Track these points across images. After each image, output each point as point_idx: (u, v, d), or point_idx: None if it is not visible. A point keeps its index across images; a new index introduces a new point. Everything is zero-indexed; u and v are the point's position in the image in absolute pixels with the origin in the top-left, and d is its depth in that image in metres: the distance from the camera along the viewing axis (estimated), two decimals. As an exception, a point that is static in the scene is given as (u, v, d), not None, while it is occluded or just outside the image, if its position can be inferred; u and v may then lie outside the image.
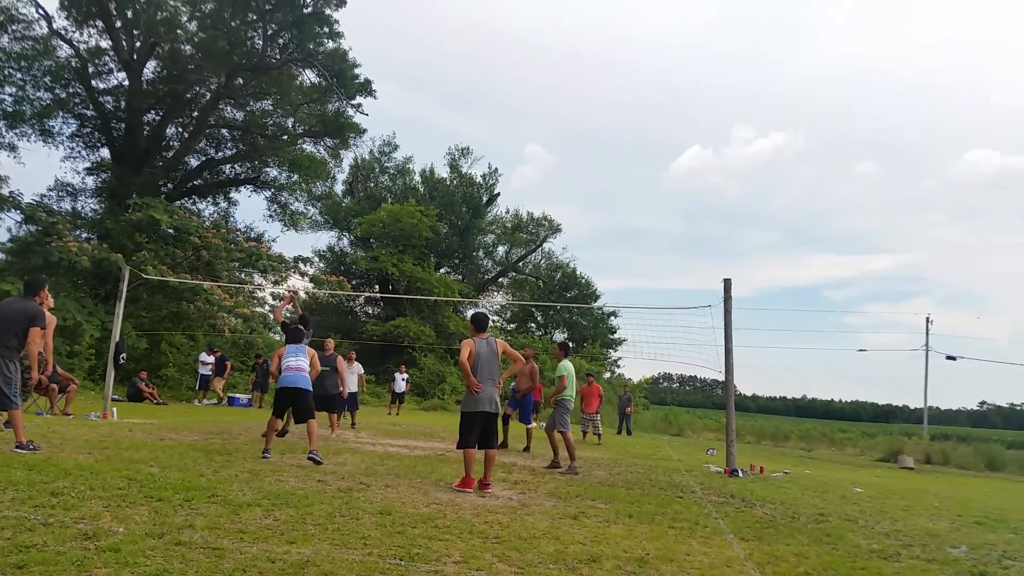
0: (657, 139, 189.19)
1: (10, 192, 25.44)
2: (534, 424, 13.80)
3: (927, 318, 40.47)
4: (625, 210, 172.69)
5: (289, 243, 65.77)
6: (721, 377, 12.62)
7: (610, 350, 49.84)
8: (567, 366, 11.17)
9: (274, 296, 27.33)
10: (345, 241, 43.63)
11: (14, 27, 24.45)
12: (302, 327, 9.91)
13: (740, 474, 11.77)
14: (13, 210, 24.44)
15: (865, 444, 31.23)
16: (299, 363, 9.16)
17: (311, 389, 9.27)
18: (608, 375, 44.71)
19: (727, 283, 12.59)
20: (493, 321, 46.50)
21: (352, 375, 14.91)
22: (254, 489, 6.36)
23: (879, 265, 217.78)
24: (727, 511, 7.66)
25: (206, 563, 3.89)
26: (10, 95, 24.60)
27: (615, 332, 50.25)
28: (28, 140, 26.24)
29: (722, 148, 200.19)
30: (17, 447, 7.41)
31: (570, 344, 12.33)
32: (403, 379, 23.45)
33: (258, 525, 4.97)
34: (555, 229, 49.77)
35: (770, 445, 30.00)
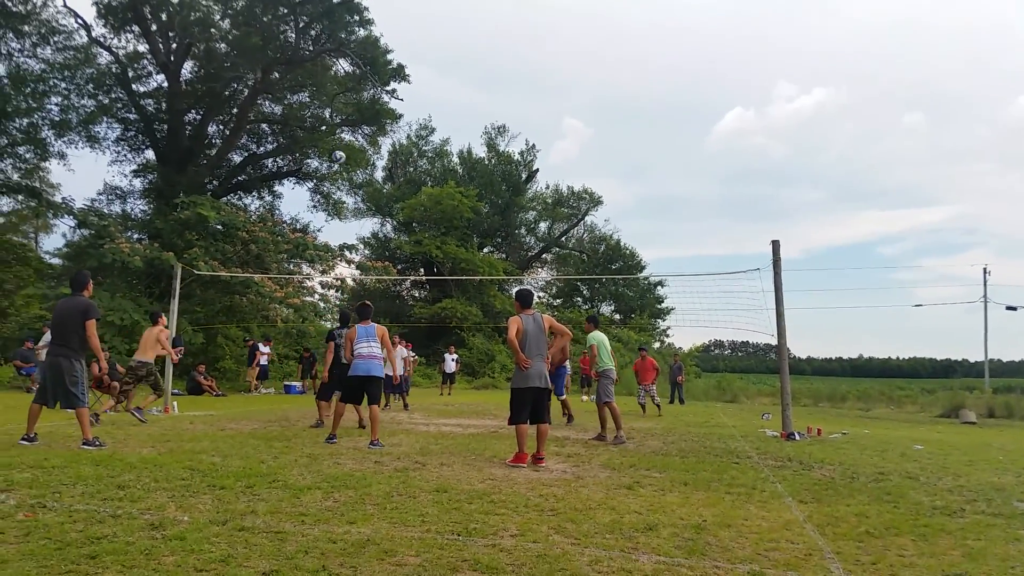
0: (697, 103, 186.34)
1: (62, 199, 26.30)
2: (586, 397, 13.79)
3: (984, 269, 39.20)
4: (667, 178, 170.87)
5: (334, 232, 66.85)
6: (773, 341, 12.45)
7: (658, 320, 49.60)
8: (596, 336, 11.24)
9: (323, 285, 27.77)
10: (388, 227, 44.03)
11: (56, 38, 25.07)
12: (368, 304, 9.72)
13: (797, 437, 11.64)
14: (66, 216, 25.21)
15: (925, 401, 30.56)
16: (371, 349, 9.07)
17: (382, 376, 9.25)
18: (657, 345, 44.50)
19: (775, 245, 12.38)
20: (539, 297, 46.54)
21: (398, 359, 15.10)
22: (313, 473, 6.51)
23: (931, 218, 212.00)
24: (784, 475, 7.59)
25: (269, 547, 3.99)
26: (56, 105, 25.25)
27: (663, 302, 50.01)
28: (76, 147, 26.97)
29: (764, 108, 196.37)
30: (84, 443, 7.69)
31: (598, 317, 12.29)
32: (452, 359, 23.82)
33: (318, 507, 5.08)
34: (596, 202, 49.50)
35: (827, 407, 29.55)
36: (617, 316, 49.79)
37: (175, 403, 13.72)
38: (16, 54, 24.68)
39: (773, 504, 5.87)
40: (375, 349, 9.10)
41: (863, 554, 4.40)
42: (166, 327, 12.02)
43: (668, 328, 49.89)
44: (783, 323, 12.12)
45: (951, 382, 50.44)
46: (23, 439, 7.79)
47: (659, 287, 49.73)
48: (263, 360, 22.04)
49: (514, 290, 40.14)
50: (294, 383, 22.73)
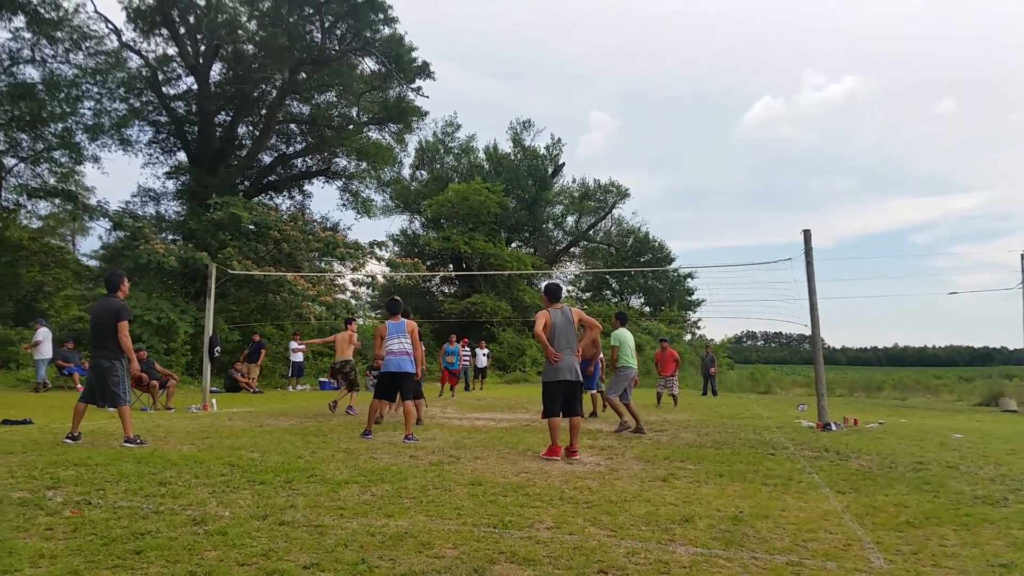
0: (725, 93, 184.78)
1: (98, 202, 26.81)
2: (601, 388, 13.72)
3: (1021, 255, 38.40)
4: (694, 169, 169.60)
5: (363, 230, 67.51)
6: (807, 331, 12.32)
7: (689, 312, 49.28)
8: (619, 335, 11.22)
9: (354, 282, 27.98)
10: (417, 223, 44.25)
11: (87, 44, 25.51)
12: (399, 299, 9.69)
13: (833, 427, 11.52)
14: (102, 218, 25.68)
15: (962, 389, 30.07)
16: (403, 346, 9.11)
17: (414, 372, 9.26)
18: (688, 337, 44.24)
19: (807, 234, 12.24)
20: (568, 291, 46.47)
21: (480, 357, 15.56)
22: (350, 467, 6.58)
23: (964, 204, 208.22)
24: (821, 465, 7.52)
25: (309, 540, 4.05)
26: (89, 109, 25.72)
27: (692, 293, 49.71)
28: (109, 150, 27.46)
29: (793, 97, 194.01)
30: (126, 441, 7.85)
31: (627, 314, 12.23)
32: (484, 354, 23.97)
33: (356, 501, 5.14)
34: (623, 194, 49.27)
35: (863, 397, 29.19)
36: (647, 309, 49.58)
37: (214, 400, 13.93)
38: (50, 60, 25.19)
39: (810, 495, 5.82)
40: (406, 345, 9.14)
41: (903, 544, 4.35)
42: (355, 332, 13.60)
43: (699, 320, 49.60)
44: (816, 313, 11.98)
45: (989, 370, 49.52)
46: (67, 437, 7.97)
47: (689, 279, 49.46)
48: (297, 357, 22.30)
49: (543, 284, 40.14)
50: (328, 380, 22.95)
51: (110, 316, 8.00)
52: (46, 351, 17.38)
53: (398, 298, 9.67)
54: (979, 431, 12.30)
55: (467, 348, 22.81)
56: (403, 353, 9.10)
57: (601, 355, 13.42)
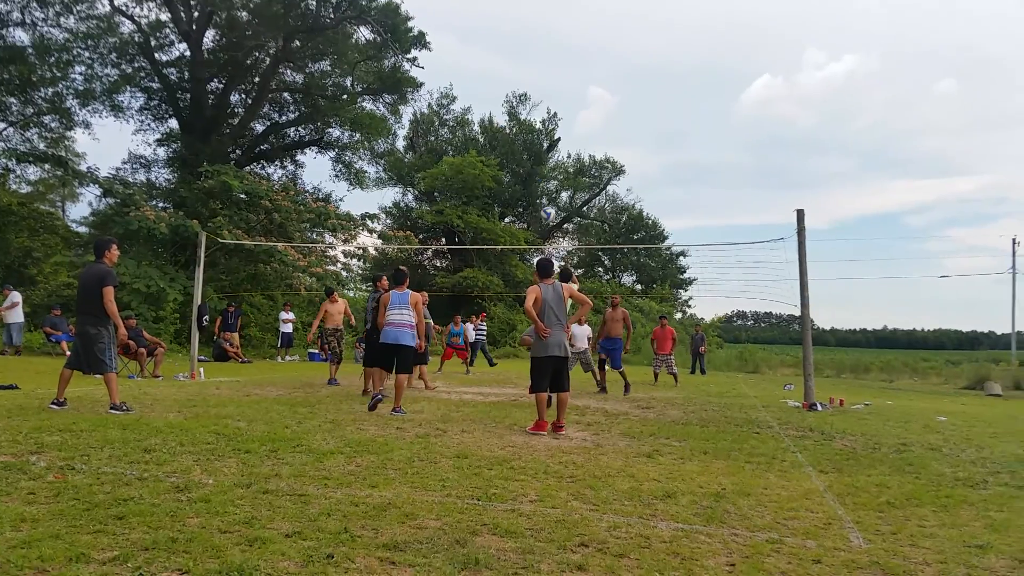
0: (724, 71, 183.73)
1: (88, 168, 26.54)
2: (617, 366, 13.78)
3: (1013, 240, 38.91)
4: (692, 147, 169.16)
5: (356, 201, 67.23)
6: (797, 312, 12.35)
7: (680, 290, 49.41)
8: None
9: (345, 254, 27.88)
10: (410, 196, 44.06)
11: (78, 7, 25.08)
12: (404, 269, 9.44)
13: (819, 408, 11.60)
14: (92, 185, 25.48)
15: (949, 373, 30.30)
16: (402, 317, 8.87)
17: (412, 345, 8.97)
18: (679, 315, 44.33)
19: (800, 214, 12.23)
20: (560, 267, 46.42)
21: (470, 331, 15.49)
22: (336, 438, 6.59)
23: (961, 188, 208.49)
24: (805, 444, 7.58)
25: (292, 509, 4.06)
26: (80, 74, 25.40)
27: (684, 272, 49.82)
28: (100, 116, 27.20)
29: (793, 75, 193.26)
30: (112, 408, 7.84)
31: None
32: (474, 330, 23.95)
33: (341, 471, 5.15)
34: (618, 171, 49.12)
35: (850, 378, 29.39)
36: (639, 286, 49.64)
37: (201, 369, 13.92)
38: (40, 23, 24.79)
39: (793, 474, 5.87)
40: (406, 316, 8.90)
41: (883, 524, 4.39)
42: (338, 301, 13.57)
43: (690, 298, 49.71)
44: (807, 294, 12.01)
45: (977, 354, 49.98)
46: (53, 403, 7.95)
47: (681, 257, 49.53)
48: (286, 327, 22.28)
49: (535, 259, 40.10)
50: (317, 351, 22.97)
51: (95, 282, 7.93)
52: (17, 315, 17.38)
53: (403, 268, 9.45)
54: (963, 414, 12.41)
55: (482, 324, 23.07)
56: (402, 325, 8.86)
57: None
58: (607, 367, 13.96)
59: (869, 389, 20.90)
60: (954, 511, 4.82)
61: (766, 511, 4.57)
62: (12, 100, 25.04)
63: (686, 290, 49.64)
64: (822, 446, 7.53)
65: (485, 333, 23.40)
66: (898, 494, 5.25)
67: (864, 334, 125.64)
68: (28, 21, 24.67)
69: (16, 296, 17.38)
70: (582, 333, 13.28)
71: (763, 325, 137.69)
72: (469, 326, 23.83)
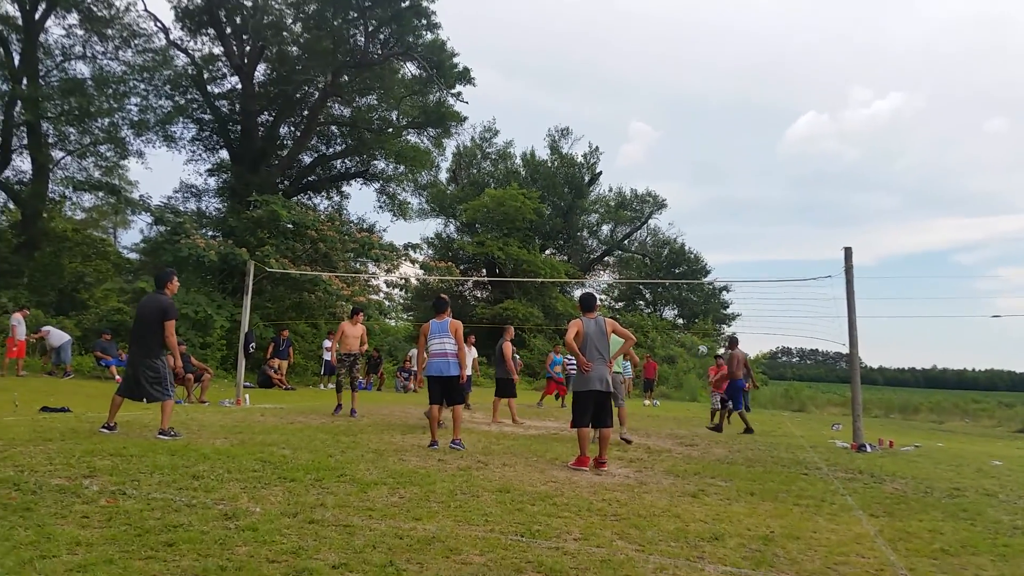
0: (769, 107, 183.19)
1: (140, 196, 27.33)
2: (648, 402, 13.64)
3: (1068, 279, 37.63)
4: (735, 182, 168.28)
5: (399, 232, 68.09)
6: (844, 350, 12.14)
7: (723, 325, 48.80)
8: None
9: (388, 283, 28.16)
10: (452, 227, 44.40)
11: (136, 41, 26.15)
12: (445, 297, 9.31)
13: (868, 449, 11.32)
14: (144, 213, 26.18)
15: (1003, 415, 29.36)
16: (443, 347, 8.71)
17: (458, 374, 8.75)
18: (721, 351, 43.74)
19: (848, 251, 12.07)
20: (601, 300, 46.28)
21: (469, 359, 15.25)
22: (379, 468, 6.61)
23: (1011, 226, 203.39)
24: (855, 487, 7.39)
25: (338, 540, 4.07)
26: (135, 105, 26.30)
27: (727, 307, 49.27)
28: (153, 146, 28.13)
29: (838, 112, 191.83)
30: (160, 433, 7.99)
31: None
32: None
33: (385, 503, 5.16)
34: (660, 205, 49.02)
35: (899, 418, 28.64)
36: (680, 321, 49.19)
37: (247, 395, 14.10)
38: (99, 56, 25.84)
39: (843, 517, 5.72)
40: (446, 346, 8.72)
41: (938, 572, 4.26)
42: (360, 323, 13.11)
43: (734, 333, 49.07)
44: (855, 332, 11.80)
45: (1031, 396, 48.29)
46: (104, 427, 8.11)
47: (724, 292, 49.01)
48: (329, 356, 22.47)
49: (576, 293, 40.05)
50: (360, 379, 23.15)
51: (156, 314, 8.10)
52: (60, 337, 17.92)
53: (444, 296, 9.34)
54: (1019, 458, 12.00)
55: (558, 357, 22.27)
56: (442, 355, 8.70)
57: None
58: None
59: (919, 430, 20.34)
60: (1014, 561, 4.65)
61: (816, 555, 4.46)
62: (71, 130, 25.99)
63: (729, 325, 49.06)
64: (872, 489, 7.34)
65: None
66: (953, 541, 5.09)
67: (913, 373, 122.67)
68: (88, 55, 25.78)
69: (53, 334, 17.98)
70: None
71: (809, 362, 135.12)
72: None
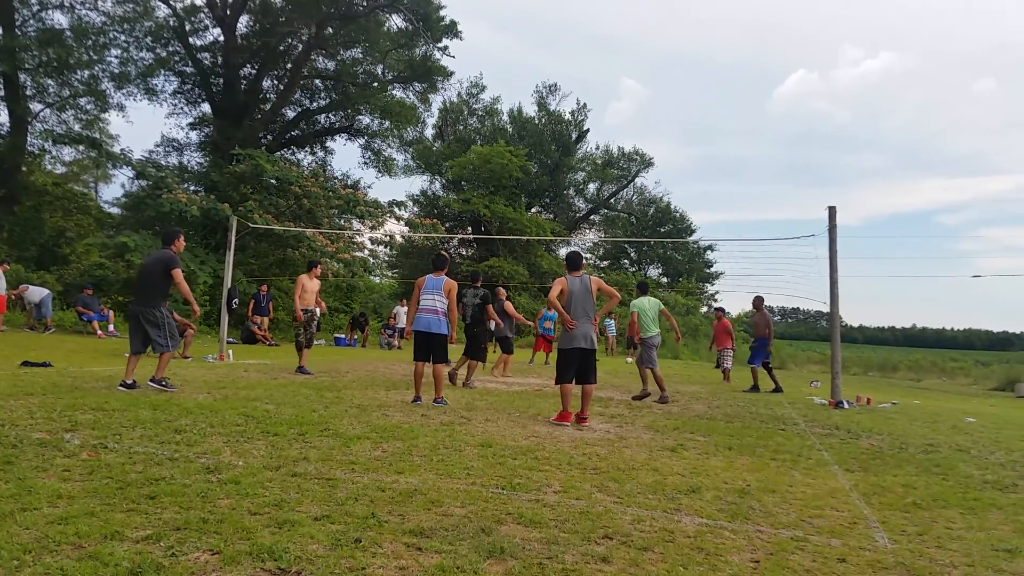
0: (759, 66, 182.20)
1: (121, 150, 26.89)
2: (630, 359, 13.79)
3: (1051, 240, 38.04)
4: (723, 141, 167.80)
5: (384, 189, 67.63)
6: (826, 308, 12.24)
7: (706, 284, 49.12)
8: (637, 303, 11.35)
9: (372, 240, 28.04)
10: (437, 184, 44.13)
11: (116, -9, 25.47)
12: (445, 255, 9.16)
13: (846, 406, 11.50)
14: (125, 167, 25.80)
15: (979, 373, 29.89)
16: (434, 303, 8.62)
17: (446, 333, 8.69)
18: (704, 309, 44.07)
19: (832, 211, 12.11)
20: (586, 259, 46.36)
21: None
22: (363, 423, 6.66)
23: (996, 187, 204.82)
24: (831, 443, 7.53)
25: (321, 492, 4.12)
26: (116, 57, 25.77)
27: (711, 266, 49.49)
28: (134, 99, 27.69)
29: (829, 71, 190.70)
30: (151, 380, 8.19)
31: (647, 283, 12.22)
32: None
33: (368, 457, 5.21)
34: (647, 163, 48.89)
35: (877, 376, 29.09)
36: (665, 279, 49.44)
37: (230, 351, 14.10)
38: (78, 6, 25.17)
39: (819, 472, 5.83)
40: (437, 303, 8.63)
41: (909, 525, 4.36)
42: (318, 278, 12.26)
43: (716, 293, 49.41)
44: (836, 291, 11.89)
45: (1008, 355, 49.09)
46: (121, 385, 8.15)
47: (709, 251, 49.20)
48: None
49: (562, 251, 40.02)
50: (343, 336, 23.25)
51: (159, 265, 8.33)
52: (39, 292, 17.83)
53: (445, 254, 9.17)
54: (993, 416, 12.24)
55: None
56: (432, 311, 8.62)
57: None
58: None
59: (896, 388, 20.67)
60: (982, 514, 4.76)
61: (791, 509, 4.56)
62: (49, 82, 25.47)
63: (712, 284, 49.37)
64: (848, 445, 7.48)
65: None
66: (925, 495, 5.20)
67: (892, 332, 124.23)
68: (67, 4, 25.08)
69: (34, 291, 17.83)
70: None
71: (790, 321, 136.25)
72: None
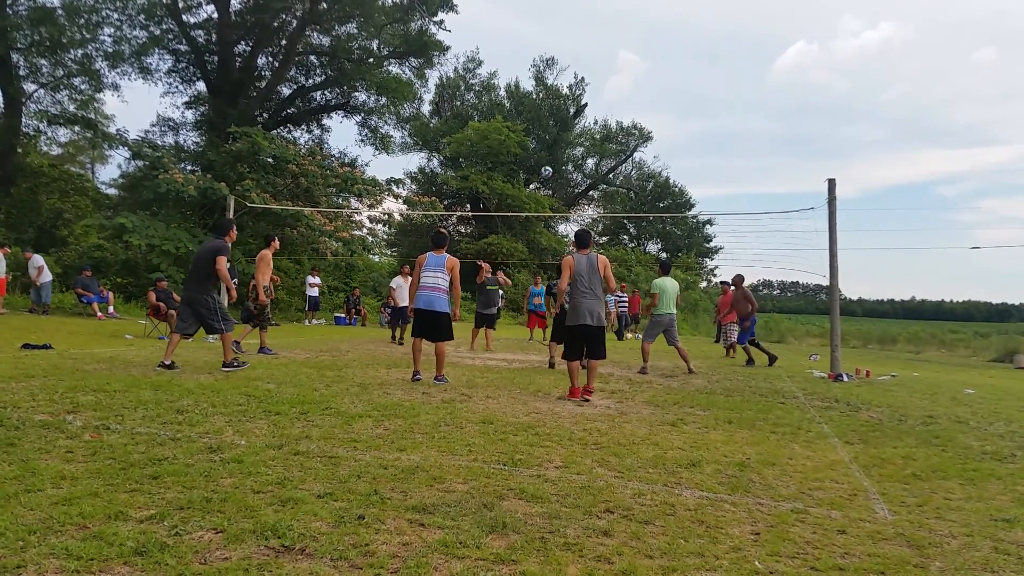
0: (758, 37, 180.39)
1: (117, 130, 26.74)
2: (630, 335, 13.83)
3: (1050, 211, 37.95)
4: (722, 114, 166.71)
5: (381, 166, 67.39)
6: (825, 281, 12.26)
7: (706, 259, 49.10)
8: (660, 283, 11.38)
9: (371, 219, 27.99)
10: (435, 162, 44.00)
11: (108, -32, 25.13)
12: (444, 232, 9.05)
13: (845, 378, 11.54)
14: (121, 147, 25.70)
15: (978, 345, 29.91)
16: (435, 281, 8.56)
17: (447, 311, 8.62)
18: (704, 284, 44.13)
19: (831, 183, 12.07)
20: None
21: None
22: (364, 402, 6.68)
23: (995, 158, 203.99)
24: (831, 415, 7.56)
25: (323, 470, 4.13)
26: (109, 36, 25.50)
27: (711, 240, 49.44)
28: (129, 78, 27.41)
29: (828, 42, 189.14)
30: (224, 366, 8.55)
31: (669, 263, 12.21)
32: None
33: (369, 435, 5.23)
34: (646, 137, 48.69)
35: (877, 349, 29.15)
36: (663, 254, 49.42)
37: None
38: (70, -16, 24.84)
39: (818, 444, 5.86)
40: (439, 281, 8.57)
41: (909, 496, 4.39)
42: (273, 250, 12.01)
43: (716, 267, 49.43)
44: (836, 263, 11.89)
45: (1007, 326, 49.19)
46: (160, 365, 8.31)
47: (708, 226, 49.14)
48: (313, 291, 22.50)
49: (560, 227, 39.88)
50: (343, 315, 23.26)
51: (210, 252, 8.69)
52: (45, 276, 17.81)
53: (444, 231, 9.13)
54: (992, 387, 12.29)
55: (623, 294, 23.27)
56: (434, 289, 8.55)
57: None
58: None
59: (896, 360, 20.73)
60: (981, 484, 4.80)
61: (791, 481, 4.58)
62: (43, 62, 25.22)
63: (712, 258, 49.34)
64: (848, 417, 7.51)
65: (627, 305, 23.34)
66: (924, 466, 5.23)
67: (892, 305, 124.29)
68: (58, -19, 24.75)
69: (38, 259, 17.70)
70: None
71: (789, 295, 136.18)
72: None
